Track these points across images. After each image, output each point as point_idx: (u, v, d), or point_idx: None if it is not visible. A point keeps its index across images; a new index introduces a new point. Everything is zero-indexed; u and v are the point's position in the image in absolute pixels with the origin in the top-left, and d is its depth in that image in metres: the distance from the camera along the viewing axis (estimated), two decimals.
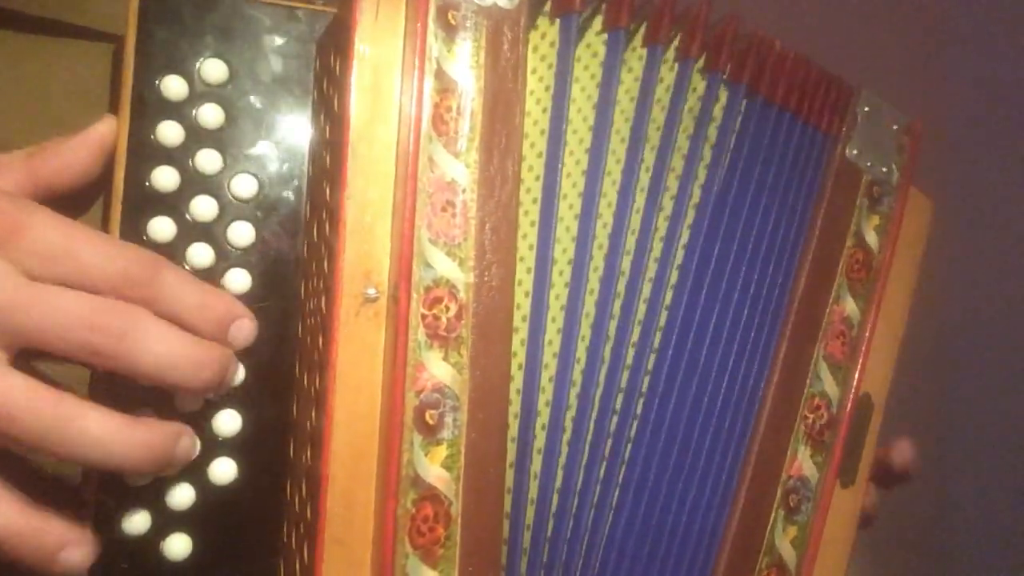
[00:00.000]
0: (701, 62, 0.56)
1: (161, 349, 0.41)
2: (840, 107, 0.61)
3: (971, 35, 1.33)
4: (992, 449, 1.35)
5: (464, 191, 0.45)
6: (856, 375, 0.60)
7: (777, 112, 0.58)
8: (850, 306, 0.59)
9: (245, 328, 0.46)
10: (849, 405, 0.59)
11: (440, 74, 0.45)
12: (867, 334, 0.60)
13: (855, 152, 0.60)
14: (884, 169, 0.61)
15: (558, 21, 0.51)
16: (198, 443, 0.46)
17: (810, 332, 0.58)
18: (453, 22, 0.45)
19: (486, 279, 0.45)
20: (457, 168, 0.45)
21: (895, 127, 0.62)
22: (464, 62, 0.46)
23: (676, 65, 0.55)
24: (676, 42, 0.55)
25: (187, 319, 0.43)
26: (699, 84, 0.56)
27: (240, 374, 0.48)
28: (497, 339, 0.46)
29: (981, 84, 1.32)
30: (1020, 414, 1.34)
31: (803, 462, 0.58)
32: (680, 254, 0.55)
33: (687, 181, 0.54)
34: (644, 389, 0.53)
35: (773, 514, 0.57)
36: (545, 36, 0.52)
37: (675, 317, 0.54)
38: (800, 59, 0.59)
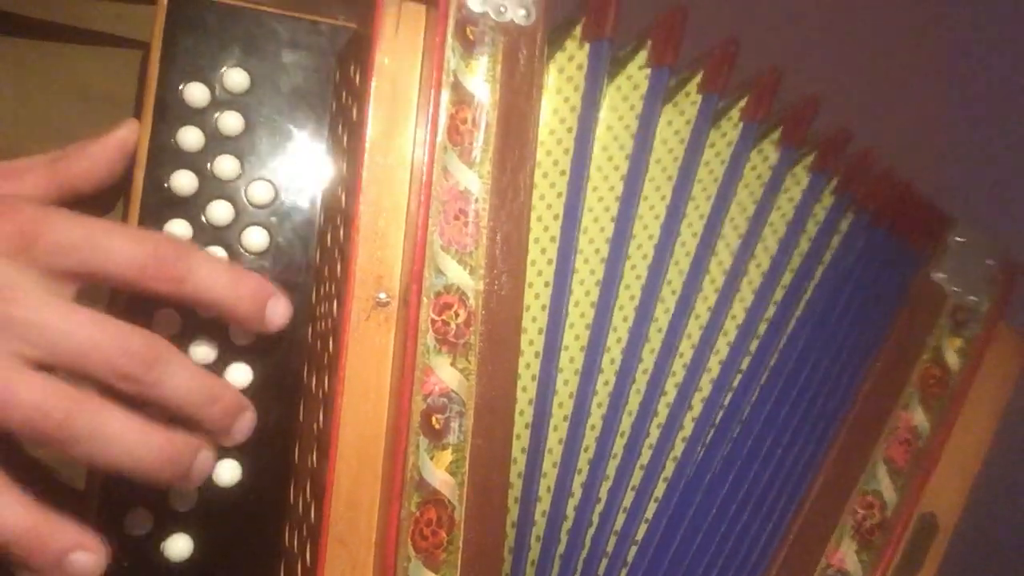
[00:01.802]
0: (777, 134, 0.59)
1: (180, 379, 0.42)
2: (933, 232, 0.64)
3: None
4: None
5: (477, 201, 0.46)
6: (918, 486, 0.60)
7: (870, 223, 0.61)
8: (919, 417, 0.61)
9: (281, 305, 0.46)
10: (906, 514, 0.60)
11: (457, 87, 0.46)
12: (935, 448, 0.61)
13: (941, 275, 0.63)
14: (973, 298, 0.63)
15: (588, 46, 0.53)
16: (214, 459, 0.45)
17: (870, 430, 0.60)
18: (471, 37, 0.47)
19: (496, 287, 0.46)
20: (470, 178, 0.46)
21: (989, 261, 0.64)
22: (481, 76, 0.47)
23: (741, 125, 0.57)
24: (743, 103, 0.58)
25: (224, 301, 0.43)
26: (771, 153, 0.59)
27: (251, 422, 0.47)
28: (505, 347, 0.46)
29: None
30: None
31: (846, 554, 0.58)
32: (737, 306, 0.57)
33: (749, 245, 0.57)
34: (684, 435, 0.54)
35: None
36: (573, 58, 0.53)
37: (725, 371, 0.56)
38: (902, 181, 0.62)
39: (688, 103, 0.56)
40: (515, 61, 0.47)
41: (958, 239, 0.64)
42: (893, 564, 0.59)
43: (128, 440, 0.40)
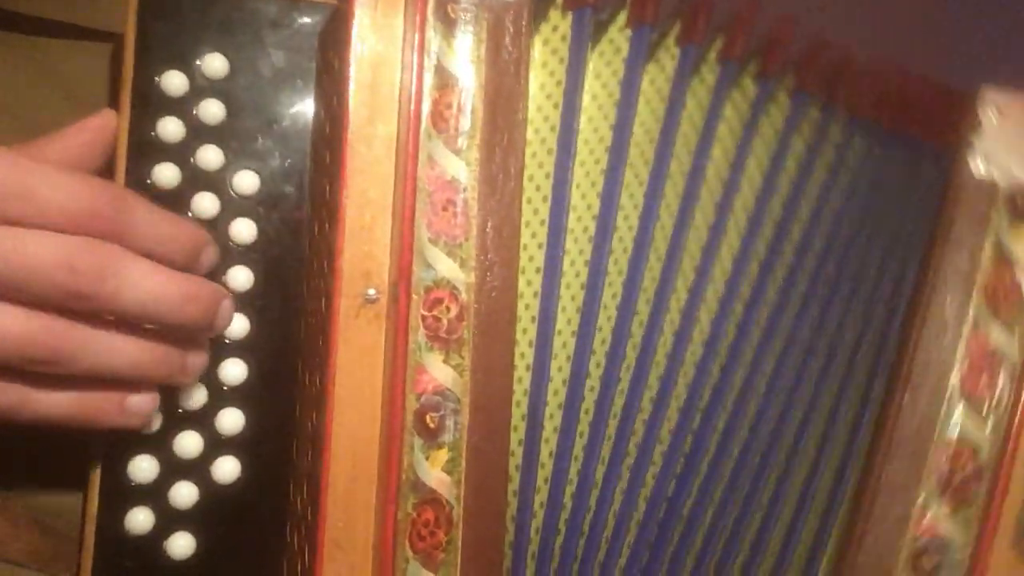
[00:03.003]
0: (753, 66, 0.54)
1: (144, 284, 0.40)
2: (955, 118, 0.54)
3: None
4: None
5: (465, 189, 0.44)
6: (1019, 414, 0.51)
7: (871, 129, 0.55)
8: (996, 334, 0.51)
9: (211, 254, 0.45)
10: (1010, 450, 0.51)
11: (440, 70, 0.44)
12: None
13: (982, 163, 0.53)
14: None
15: (571, 14, 0.50)
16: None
17: (933, 365, 0.51)
18: (452, 15, 0.44)
19: (488, 279, 0.44)
20: (457, 166, 0.44)
21: None
22: (464, 57, 0.44)
23: (718, 67, 0.53)
24: (719, 44, 0.53)
25: (159, 251, 0.42)
26: (749, 88, 0.54)
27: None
28: (499, 340, 0.45)
29: None
30: None
31: (936, 519, 0.50)
32: (728, 265, 0.54)
33: (732, 191, 0.53)
34: (681, 400, 0.52)
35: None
36: (557, 29, 0.50)
37: (718, 330, 0.53)
38: (896, 72, 0.55)
39: (668, 58, 0.52)
40: (500, 39, 0.45)
41: (993, 114, 0.53)
42: (1016, 517, 0.51)
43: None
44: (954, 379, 0.51)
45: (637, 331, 0.51)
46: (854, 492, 0.52)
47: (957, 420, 0.50)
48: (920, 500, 0.50)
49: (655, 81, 0.52)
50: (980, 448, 0.51)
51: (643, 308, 0.51)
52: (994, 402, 0.51)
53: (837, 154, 0.55)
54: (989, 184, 0.53)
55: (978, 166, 0.53)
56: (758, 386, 0.54)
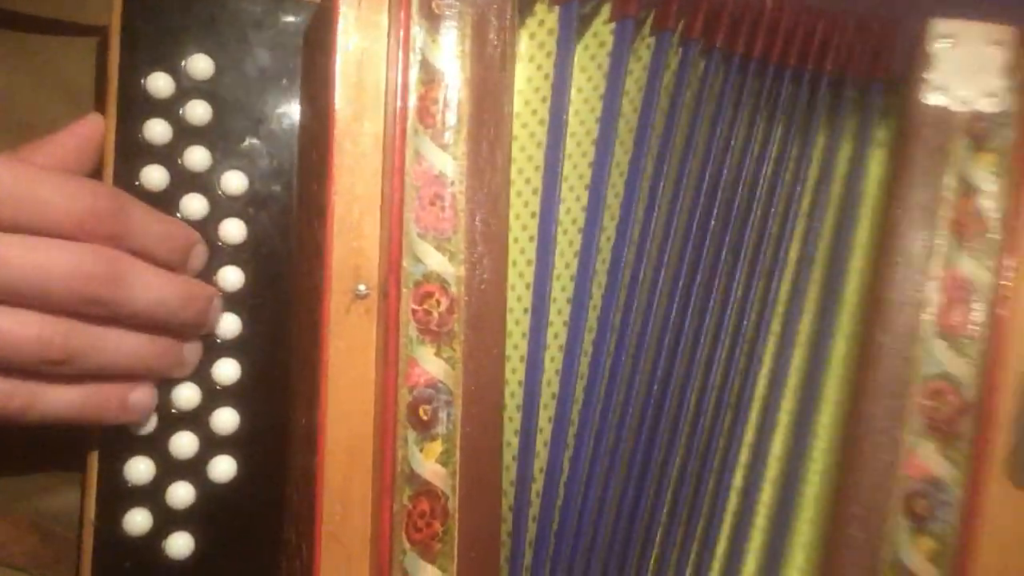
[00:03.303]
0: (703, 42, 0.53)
1: (151, 288, 0.42)
2: (887, 50, 0.54)
3: None
4: None
5: (452, 183, 0.45)
6: (998, 347, 0.50)
7: (811, 77, 0.53)
8: (967, 267, 0.50)
9: (201, 253, 0.47)
10: (994, 383, 0.50)
11: (425, 65, 0.44)
12: (1006, 294, 0.50)
13: (937, 93, 0.52)
14: (988, 99, 0.52)
15: (557, 9, 0.50)
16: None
17: (906, 308, 0.50)
18: (437, 11, 0.45)
19: (477, 272, 0.45)
20: (444, 160, 0.44)
21: (991, 48, 0.52)
22: (449, 52, 0.45)
23: (680, 49, 0.53)
24: (680, 26, 0.53)
25: (154, 251, 0.44)
26: (700, 64, 0.54)
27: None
28: (490, 332, 0.45)
29: None
30: None
31: (927, 460, 0.49)
32: (688, 235, 0.53)
33: (719, 176, 0.53)
34: (658, 379, 0.52)
35: (890, 521, 0.49)
36: (543, 23, 0.51)
37: (695, 309, 0.53)
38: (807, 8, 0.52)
39: (644, 47, 0.52)
40: (485, 33, 0.45)
41: (945, 45, 0.52)
42: (1007, 446, 0.49)
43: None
44: (928, 316, 0.50)
45: (617, 317, 0.51)
46: (841, 442, 0.52)
47: (936, 356, 0.50)
48: (907, 442, 0.49)
49: (633, 72, 0.52)
50: (962, 383, 0.50)
51: (620, 296, 0.51)
52: (972, 334, 0.50)
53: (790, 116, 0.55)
54: (946, 115, 0.52)
55: (933, 99, 0.52)
56: (752, 371, 0.55)
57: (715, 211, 0.53)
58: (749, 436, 0.56)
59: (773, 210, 0.54)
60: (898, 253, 0.51)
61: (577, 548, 0.50)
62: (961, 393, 0.49)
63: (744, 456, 0.55)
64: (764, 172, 0.54)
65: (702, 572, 0.55)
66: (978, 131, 0.51)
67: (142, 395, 0.45)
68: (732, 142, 0.53)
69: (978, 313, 0.50)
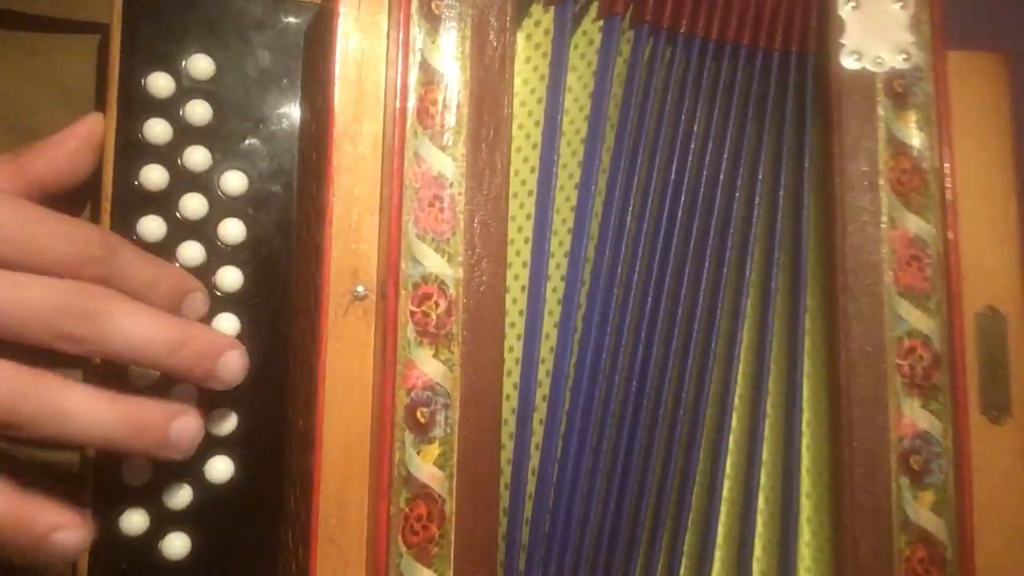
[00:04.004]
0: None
1: (134, 327, 0.40)
2: (807, 18, 0.54)
3: None
4: None
5: (452, 185, 0.44)
6: (954, 296, 0.51)
7: (731, 52, 0.53)
8: (914, 224, 0.51)
9: (198, 301, 0.45)
10: (958, 328, 0.51)
11: (425, 66, 0.44)
12: (952, 245, 0.51)
13: (854, 57, 0.52)
14: (901, 56, 0.53)
15: (552, 9, 0.50)
16: (201, 426, 0.43)
17: (866, 273, 0.51)
18: (437, 12, 0.44)
19: (476, 274, 0.45)
20: (444, 162, 0.44)
21: (898, 5, 0.53)
22: (449, 53, 0.45)
23: (631, 34, 0.52)
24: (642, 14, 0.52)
25: (142, 296, 0.42)
26: (667, 53, 0.52)
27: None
28: (488, 335, 0.45)
29: None
30: None
31: (914, 416, 0.50)
32: (658, 231, 0.53)
33: (654, 157, 0.52)
34: (650, 377, 0.52)
35: (893, 484, 0.49)
36: (540, 24, 0.50)
37: (669, 299, 0.52)
38: None
39: (625, 43, 0.52)
40: (485, 35, 0.45)
41: (848, 7, 0.53)
42: (977, 386, 0.51)
43: (91, 413, 0.39)
44: (888, 278, 0.51)
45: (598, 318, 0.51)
46: (829, 417, 0.52)
47: (902, 315, 0.51)
48: (893, 403, 0.50)
49: (617, 69, 0.51)
50: (930, 336, 0.51)
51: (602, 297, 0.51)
52: (928, 289, 0.51)
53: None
54: (867, 78, 0.52)
55: (851, 63, 0.53)
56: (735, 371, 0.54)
57: (687, 202, 0.53)
58: (734, 433, 0.55)
59: (737, 195, 0.54)
60: (848, 222, 0.52)
61: (566, 551, 0.50)
62: (931, 347, 0.51)
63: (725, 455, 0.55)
64: (737, 164, 0.54)
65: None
66: (898, 89, 0.52)
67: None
68: (695, 129, 0.53)
69: (934, 267, 0.51)
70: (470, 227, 0.45)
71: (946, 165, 0.52)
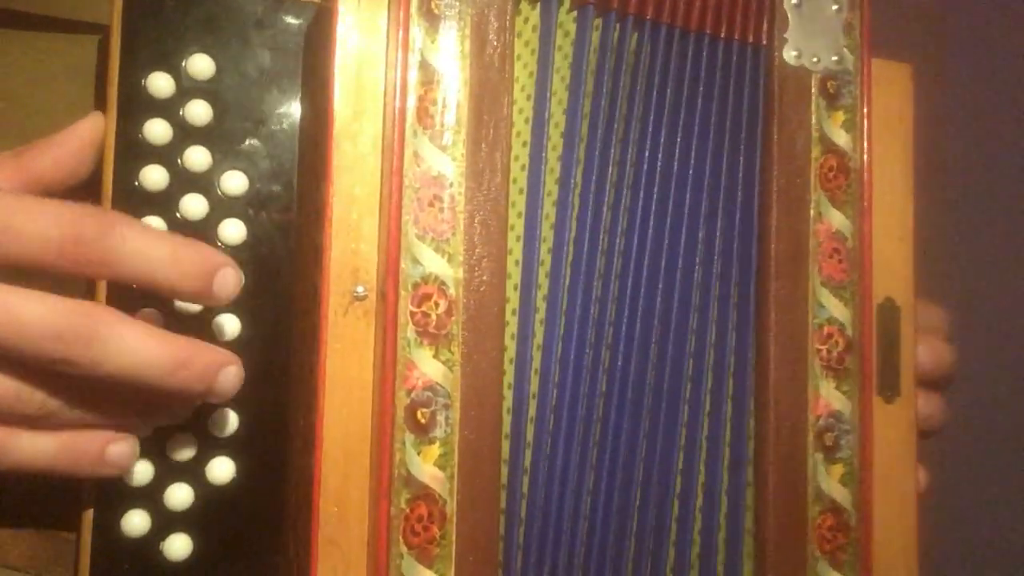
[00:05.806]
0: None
1: (131, 349, 0.39)
2: (760, 10, 0.55)
3: None
4: None
5: (451, 185, 0.44)
6: (864, 287, 0.55)
7: (695, 41, 0.54)
8: (837, 219, 0.55)
9: (230, 278, 0.42)
10: (867, 316, 0.55)
11: (424, 65, 0.44)
12: (866, 240, 0.55)
13: (795, 53, 0.54)
14: (835, 58, 0.55)
15: (539, 4, 0.50)
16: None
17: (796, 262, 0.54)
18: (436, 11, 0.44)
19: (476, 274, 0.45)
20: (443, 162, 0.44)
21: (835, 7, 0.55)
22: (448, 52, 0.44)
23: (600, 22, 0.51)
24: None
25: (159, 276, 0.40)
26: (630, 38, 0.52)
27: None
28: (489, 335, 0.45)
29: None
30: None
31: (828, 397, 0.54)
32: (632, 222, 0.53)
33: (626, 145, 0.52)
34: (628, 367, 0.52)
35: (810, 460, 0.53)
36: (528, 21, 0.50)
37: (640, 289, 0.52)
38: None
39: (595, 31, 0.51)
40: (484, 34, 0.45)
41: (792, 2, 0.55)
42: (875, 370, 0.55)
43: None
44: (814, 268, 0.54)
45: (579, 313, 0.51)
46: (755, 397, 0.55)
47: (823, 304, 0.54)
48: (811, 385, 0.54)
49: (588, 59, 0.51)
50: (845, 323, 0.55)
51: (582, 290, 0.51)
52: (844, 280, 0.55)
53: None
54: (804, 75, 0.55)
55: (792, 58, 0.55)
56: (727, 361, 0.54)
57: (659, 195, 0.53)
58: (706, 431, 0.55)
59: (703, 188, 0.54)
60: (783, 212, 0.54)
61: (559, 548, 0.49)
62: (845, 333, 0.54)
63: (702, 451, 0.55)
64: (703, 154, 0.54)
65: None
66: (830, 90, 0.55)
67: (123, 448, 0.42)
68: (663, 119, 0.53)
69: (848, 260, 0.55)
70: (470, 227, 0.45)
71: (866, 165, 0.56)
